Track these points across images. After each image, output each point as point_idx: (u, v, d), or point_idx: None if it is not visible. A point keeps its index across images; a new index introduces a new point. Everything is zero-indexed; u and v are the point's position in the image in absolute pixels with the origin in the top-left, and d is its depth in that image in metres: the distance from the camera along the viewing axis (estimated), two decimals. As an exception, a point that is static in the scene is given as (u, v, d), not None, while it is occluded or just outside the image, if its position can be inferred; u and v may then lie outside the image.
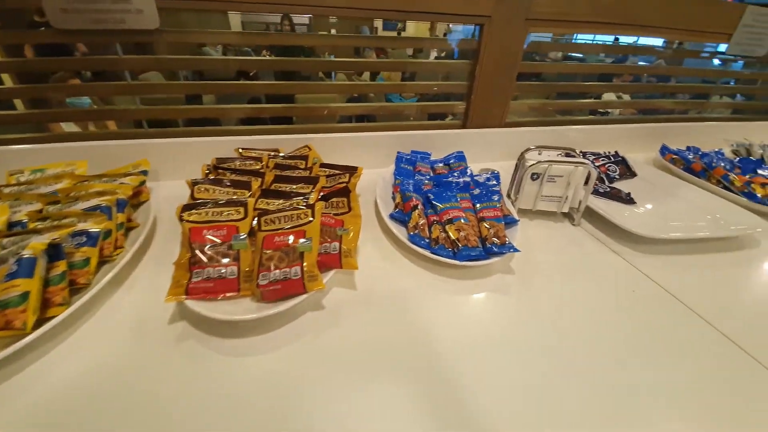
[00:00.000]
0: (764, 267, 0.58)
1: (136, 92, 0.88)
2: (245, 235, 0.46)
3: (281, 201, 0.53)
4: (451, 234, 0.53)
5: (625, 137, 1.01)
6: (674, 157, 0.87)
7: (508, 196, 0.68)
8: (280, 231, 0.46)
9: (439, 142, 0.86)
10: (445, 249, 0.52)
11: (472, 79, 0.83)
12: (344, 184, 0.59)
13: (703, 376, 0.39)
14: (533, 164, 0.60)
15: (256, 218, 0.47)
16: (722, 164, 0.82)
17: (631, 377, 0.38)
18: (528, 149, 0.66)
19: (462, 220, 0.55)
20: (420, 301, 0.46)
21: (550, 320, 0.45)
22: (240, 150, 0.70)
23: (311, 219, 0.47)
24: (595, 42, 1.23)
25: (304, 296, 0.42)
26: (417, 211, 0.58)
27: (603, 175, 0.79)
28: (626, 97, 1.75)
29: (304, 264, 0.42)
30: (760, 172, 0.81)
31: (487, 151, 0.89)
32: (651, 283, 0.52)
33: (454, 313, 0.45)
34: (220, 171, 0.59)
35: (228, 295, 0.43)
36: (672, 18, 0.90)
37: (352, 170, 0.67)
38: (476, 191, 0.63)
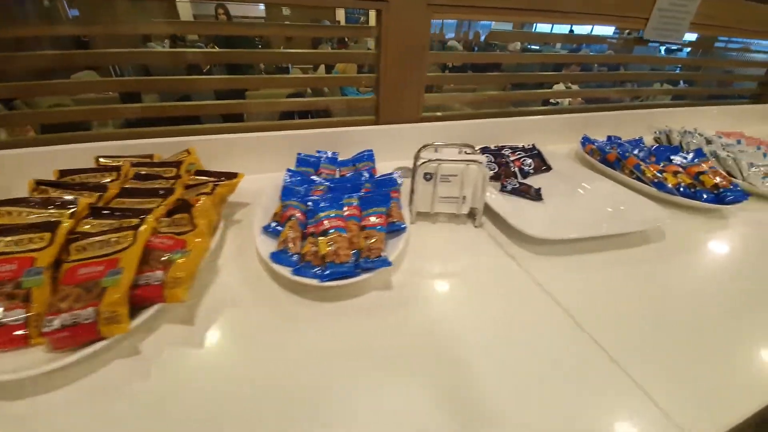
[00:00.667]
0: (667, 263, 0.55)
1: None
2: (42, 269, 0.37)
3: (112, 221, 0.44)
4: (320, 248, 0.47)
5: (556, 128, 0.99)
6: (593, 147, 0.85)
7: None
8: (88, 260, 0.38)
9: (352, 140, 0.80)
10: (311, 267, 0.45)
11: (378, 70, 0.76)
12: (201, 196, 0.51)
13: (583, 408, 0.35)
14: (423, 163, 0.54)
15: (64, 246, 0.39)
16: (637, 153, 0.80)
17: (493, 407, 0.33)
18: (423, 147, 0.60)
19: (338, 231, 0.48)
20: (266, 337, 0.40)
21: (420, 341, 0.39)
22: (99, 158, 0.61)
23: (131, 243, 0.39)
24: (552, 32, 1.20)
25: (104, 342, 0.34)
26: (291, 222, 0.51)
27: (516, 170, 0.75)
28: (575, 88, 1.76)
29: (102, 303, 0.34)
30: (674, 159, 0.80)
31: (402, 149, 0.82)
32: (538, 289, 0.47)
33: (304, 349, 0.38)
34: (48, 187, 0.50)
35: (9, 347, 0.34)
36: (588, 3, 0.87)
37: (229, 177, 0.60)
38: (368, 195, 0.57)
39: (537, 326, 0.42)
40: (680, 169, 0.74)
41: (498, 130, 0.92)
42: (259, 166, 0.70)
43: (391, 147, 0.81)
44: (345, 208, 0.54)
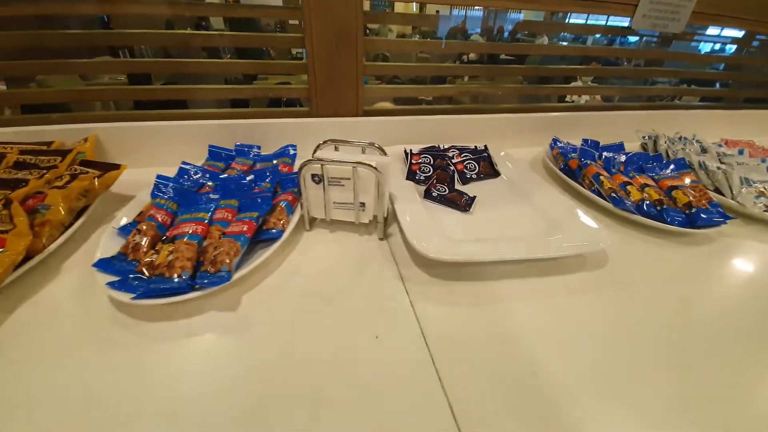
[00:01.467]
0: (593, 300, 0.44)
1: None
2: None
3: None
4: (160, 257, 0.40)
5: (534, 128, 0.87)
6: (557, 152, 0.73)
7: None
8: None
9: (282, 134, 0.72)
10: (143, 280, 0.38)
11: (307, 57, 0.68)
12: (53, 189, 0.45)
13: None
14: (305, 164, 0.46)
15: None
16: (612, 161, 0.68)
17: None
18: (322, 143, 0.52)
19: (188, 238, 0.42)
20: (65, 361, 0.33)
21: (235, 385, 0.32)
22: None
23: None
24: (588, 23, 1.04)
25: None
26: (145, 224, 0.44)
27: (456, 175, 0.66)
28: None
29: None
30: (652, 169, 0.67)
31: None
32: (409, 328, 0.38)
33: (113, 379, 0.32)
34: None
35: None
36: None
37: (108, 169, 0.54)
38: (253, 197, 0.50)
39: (389, 373, 0.34)
40: (651, 182, 0.63)
41: (460, 128, 0.82)
42: (171, 158, 0.64)
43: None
44: (220, 211, 0.47)
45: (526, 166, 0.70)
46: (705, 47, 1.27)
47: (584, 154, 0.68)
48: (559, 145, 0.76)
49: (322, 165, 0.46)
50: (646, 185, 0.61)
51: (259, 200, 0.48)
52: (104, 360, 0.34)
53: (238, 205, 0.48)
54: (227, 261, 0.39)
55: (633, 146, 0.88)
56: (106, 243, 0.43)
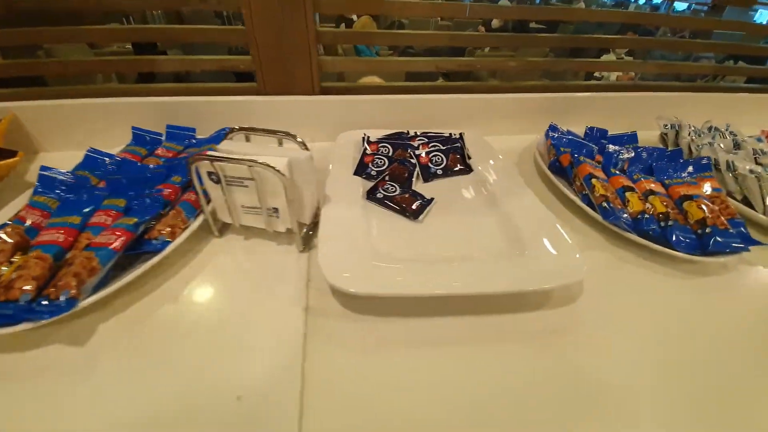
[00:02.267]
0: (552, 347, 0.34)
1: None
2: None
3: None
4: (6, 275, 0.33)
5: (536, 110, 0.73)
6: (549, 143, 0.60)
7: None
8: None
9: (225, 114, 0.63)
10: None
11: (244, 22, 0.57)
12: None
13: None
14: (193, 160, 0.37)
15: None
16: (617, 156, 0.55)
17: None
18: (230, 131, 0.43)
19: (39, 250, 0.34)
20: None
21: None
22: None
23: None
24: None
25: None
26: (9, 228, 0.37)
27: (419, 169, 0.55)
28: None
29: None
30: (675, 173, 0.53)
31: (298, 127, 0.65)
32: (292, 384, 0.30)
33: None
34: None
35: None
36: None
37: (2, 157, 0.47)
38: (145, 196, 0.41)
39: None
40: (660, 188, 0.49)
41: (446, 109, 0.69)
42: (102, 141, 0.55)
43: (274, 124, 0.64)
44: (99, 214, 0.39)
45: (508, 161, 0.57)
46: (762, 17, 1.05)
47: (579, 148, 0.55)
48: (554, 134, 0.63)
49: (212, 162, 0.36)
50: (652, 192, 0.48)
51: (148, 201, 0.40)
52: None
53: (125, 206, 0.40)
54: (72, 284, 0.31)
55: (651, 137, 0.73)
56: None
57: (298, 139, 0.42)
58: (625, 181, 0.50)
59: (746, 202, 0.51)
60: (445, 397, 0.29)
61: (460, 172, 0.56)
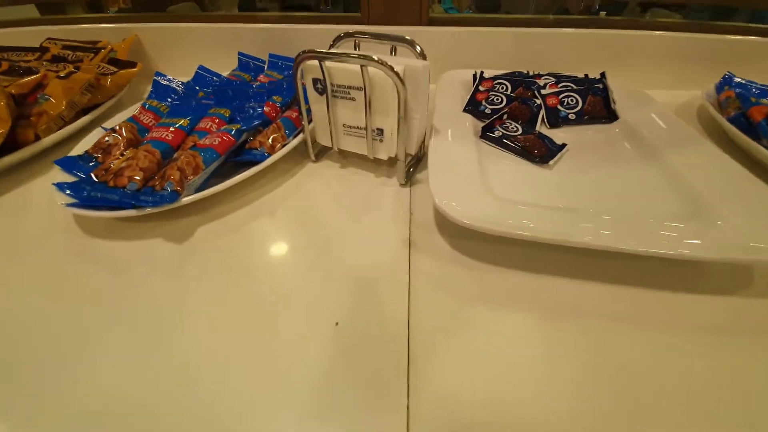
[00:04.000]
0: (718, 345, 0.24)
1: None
2: None
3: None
4: (116, 163, 0.33)
5: (698, 57, 0.56)
6: (732, 95, 0.45)
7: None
8: None
9: (326, 44, 0.59)
10: (92, 186, 0.32)
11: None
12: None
13: None
14: (301, 58, 0.32)
15: None
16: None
17: None
18: (337, 39, 0.37)
19: (149, 145, 0.33)
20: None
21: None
22: (48, 39, 0.57)
23: None
24: None
25: None
26: (123, 124, 0.37)
27: (545, 111, 0.44)
28: None
29: None
30: None
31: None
32: (398, 318, 0.25)
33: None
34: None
35: None
36: None
37: (124, 66, 0.49)
38: (251, 107, 0.39)
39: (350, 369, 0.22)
40: None
41: (581, 47, 0.56)
42: (211, 63, 0.56)
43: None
44: (205, 120, 0.38)
45: (666, 111, 0.44)
46: None
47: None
48: (737, 82, 0.47)
49: (321, 62, 0.31)
50: None
51: (251, 111, 0.37)
52: (28, 272, 0.28)
53: (229, 116, 0.38)
54: (175, 178, 0.30)
55: None
56: (90, 142, 0.38)
57: (417, 48, 0.35)
58: None
59: None
60: (567, 384, 0.22)
61: (601, 119, 0.44)
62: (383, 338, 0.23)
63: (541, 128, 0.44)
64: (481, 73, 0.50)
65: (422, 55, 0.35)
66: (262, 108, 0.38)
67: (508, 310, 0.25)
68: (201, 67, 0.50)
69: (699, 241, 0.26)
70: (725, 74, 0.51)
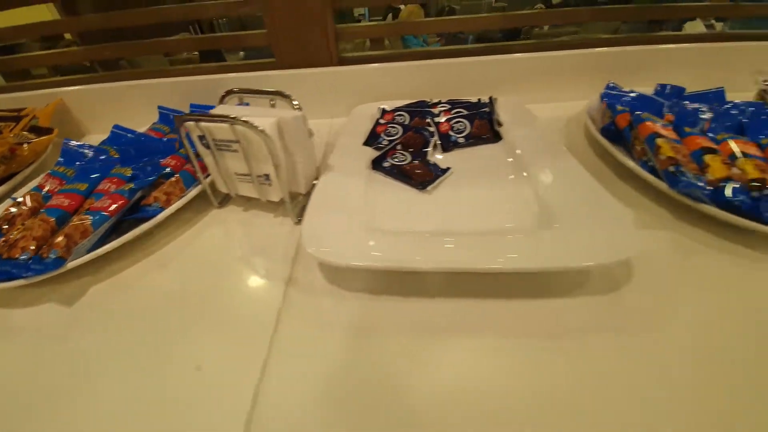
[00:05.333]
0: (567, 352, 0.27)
1: None
2: None
3: None
4: (16, 235, 0.34)
5: (590, 69, 0.61)
6: (607, 105, 0.50)
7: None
8: None
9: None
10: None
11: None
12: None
13: None
14: (183, 119, 0.35)
15: None
16: (698, 116, 0.43)
17: None
18: (224, 95, 0.41)
19: (44, 213, 0.35)
20: None
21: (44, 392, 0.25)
22: None
23: None
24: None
25: None
26: (31, 195, 0.39)
27: (438, 137, 0.48)
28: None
29: None
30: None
31: (317, 102, 0.63)
32: (257, 355, 0.27)
33: None
34: None
35: None
36: None
37: (40, 134, 0.51)
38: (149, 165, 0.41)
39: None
40: (754, 149, 0.37)
41: (484, 74, 0.61)
42: (148, 117, 0.59)
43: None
44: (106, 181, 0.40)
45: (547, 129, 0.48)
46: None
47: (644, 104, 0.44)
48: (613, 93, 0.52)
49: (197, 123, 0.34)
50: (743, 155, 0.36)
51: (149, 168, 0.40)
52: None
53: (130, 175, 0.41)
54: (60, 245, 0.31)
55: (745, 98, 0.57)
56: (-3, 213, 0.40)
57: (294, 102, 0.38)
58: (705, 142, 0.38)
59: None
60: (437, 392, 0.24)
61: (487, 140, 0.48)
62: (232, 382, 0.25)
63: (436, 154, 0.48)
64: (384, 108, 0.54)
65: (298, 107, 0.38)
66: (159, 162, 0.41)
67: (370, 335, 0.28)
68: (116, 126, 0.52)
69: (516, 255, 0.29)
70: (607, 84, 0.56)
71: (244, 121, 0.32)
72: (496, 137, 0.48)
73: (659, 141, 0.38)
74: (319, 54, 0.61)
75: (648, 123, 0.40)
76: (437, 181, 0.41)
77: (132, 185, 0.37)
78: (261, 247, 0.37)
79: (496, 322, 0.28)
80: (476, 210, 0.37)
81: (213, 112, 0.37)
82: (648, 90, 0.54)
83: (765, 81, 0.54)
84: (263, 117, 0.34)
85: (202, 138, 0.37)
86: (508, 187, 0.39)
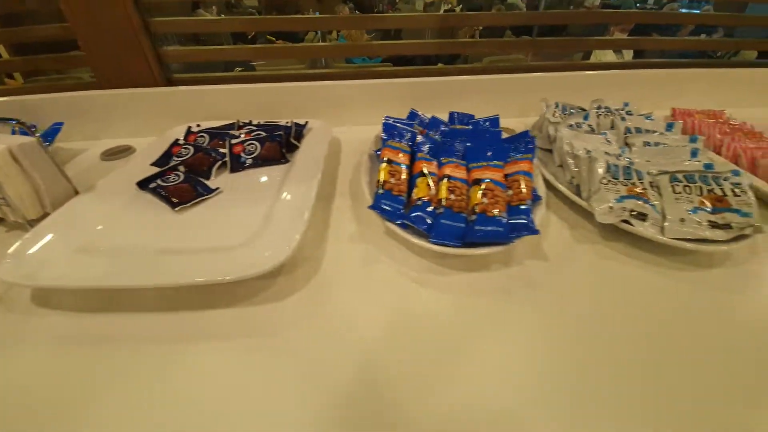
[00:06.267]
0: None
1: None
2: None
3: None
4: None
5: (417, 96, 0.68)
6: (383, 131, 0.55)
7: None
8: None
9: (64, 110, 0.61)
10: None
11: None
12: None
13: None
14: None
15: None
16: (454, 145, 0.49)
17: None
18: None
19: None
20: None
21: None
22: None
23: None
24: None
25: None
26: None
27: (229, 158, 0.51)
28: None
29: None
30: (491, 157, 0.47)
31: (143, 121, 0.64)
32: None
33: None
34: None
35: None
36: None
37: None
38: None
39: None
40: (461, 173, 0.43)
41: (314, 97, 0.65)
42: None
43: (116, 118, 0.63)
44: None
45: (324, 152, 0.52)
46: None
47: (392, 132, 0.50)
48: (391, 121, 0.57)
49: None
50: (449, 177, 0.42)
51: None
52: None
53: None
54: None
55: (531, 122, 0.65)
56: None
57: (29, 126, 0.40)
58: (428, 167, 0.44)
59: (578, 191, 0.44)
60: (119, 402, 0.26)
61: (275, 162, 0.52)
62: None
63: (221, 174, 0.50)
64: (190, 128, 0.57)
65: (33, 132, 0.40)
66: None
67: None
68: None
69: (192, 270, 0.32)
70: (410, 110, 0.62)
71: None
72: (285, 160, 0.52)
73: (382, 166, 0.43)
74: (138, 74, 0.62)
75: (386, 149, 0.46)
76: (191, 202, 0.43)
77: None
78: None
79: (175, 333, 0.31)
80: (210, 228, 0.40)
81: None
82: (444, 115, 0.61)
83: (598, 107, 0.61)
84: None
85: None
86: (255, 207, 0.43)
